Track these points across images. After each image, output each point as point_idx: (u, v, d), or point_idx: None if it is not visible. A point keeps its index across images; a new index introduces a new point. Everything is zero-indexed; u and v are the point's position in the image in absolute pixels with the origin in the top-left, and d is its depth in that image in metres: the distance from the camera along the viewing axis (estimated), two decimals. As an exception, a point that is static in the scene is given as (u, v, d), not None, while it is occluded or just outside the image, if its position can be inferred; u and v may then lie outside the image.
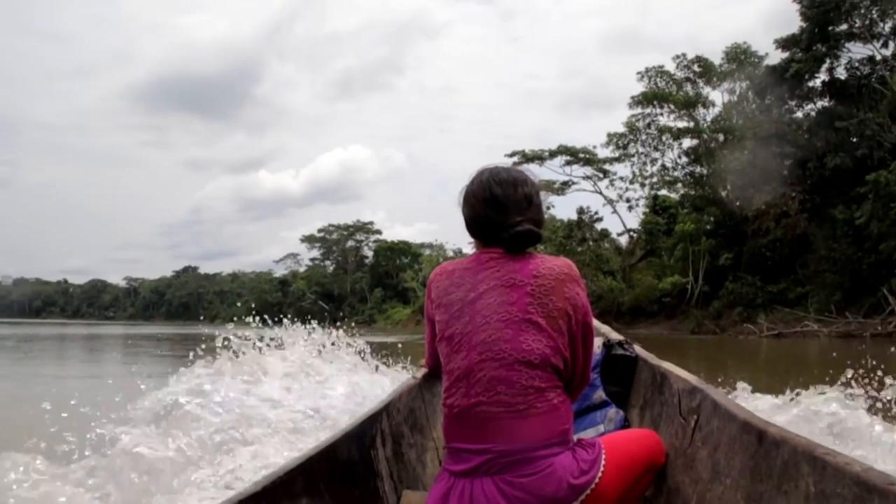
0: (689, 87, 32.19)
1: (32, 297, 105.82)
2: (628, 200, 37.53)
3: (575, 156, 37.31)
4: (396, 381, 3.67)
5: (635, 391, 2.46)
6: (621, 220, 38.96)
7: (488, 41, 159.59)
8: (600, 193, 38.24)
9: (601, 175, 37.78)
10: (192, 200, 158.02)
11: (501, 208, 1.60)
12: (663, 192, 36.26)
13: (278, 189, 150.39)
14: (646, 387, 2.35)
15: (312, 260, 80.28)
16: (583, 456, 1.50)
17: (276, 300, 79.92)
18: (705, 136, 32.47)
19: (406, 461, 2.07)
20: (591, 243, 37.98)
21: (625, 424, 2.30)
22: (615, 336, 2.91)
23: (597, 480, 1.47)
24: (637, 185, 37.27)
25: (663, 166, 35.17)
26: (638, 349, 2.58)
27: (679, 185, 35.23)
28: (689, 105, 31.99)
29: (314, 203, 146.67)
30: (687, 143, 34.03)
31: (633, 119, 33.66)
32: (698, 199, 32.75)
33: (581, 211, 38.22)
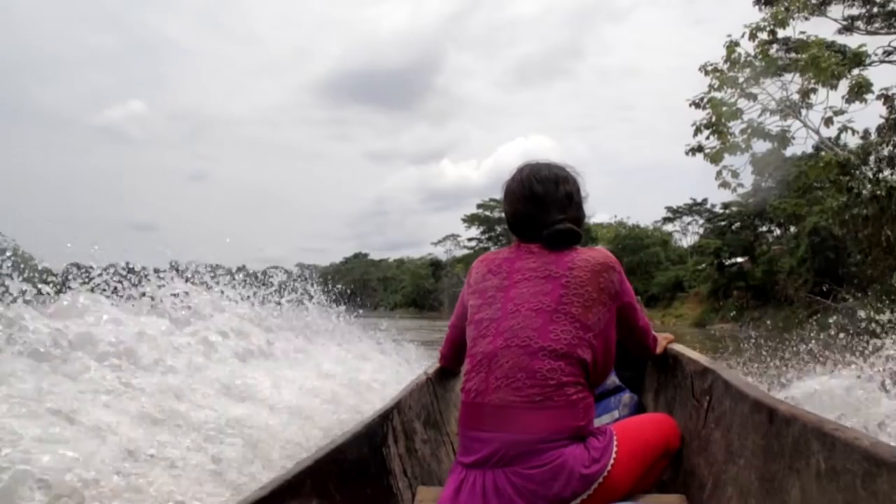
0: None
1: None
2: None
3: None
4: None
5: (648, 375, 2.48)
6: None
7: (671, 24, 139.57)
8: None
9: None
10: (376, 191, 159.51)
11: (542, 206, 1.62)
12: None
13: (460, 179, 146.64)
14: (658, 370, 2.36)
15: (470, 240, 70.63)
16: (594, 444, 1.47)
17: (431, 286, 71.97)
18: None
19: (420, 457, 2.03)
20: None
21: (639, 409, 2.31)
22: None
23: (608, 469, 1.45)
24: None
25: None
26: None
27: None
28: None
29: (495, 194, 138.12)
30: None
31: None
32: None
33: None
